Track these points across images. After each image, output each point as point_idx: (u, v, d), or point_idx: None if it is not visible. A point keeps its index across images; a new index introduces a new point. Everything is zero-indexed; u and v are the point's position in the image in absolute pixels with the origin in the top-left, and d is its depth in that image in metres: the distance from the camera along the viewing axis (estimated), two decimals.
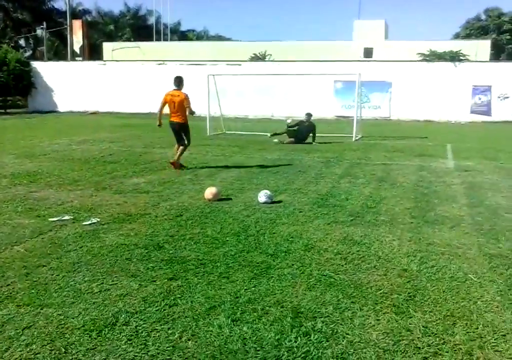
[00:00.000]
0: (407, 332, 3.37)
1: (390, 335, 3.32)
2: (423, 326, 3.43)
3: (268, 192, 7.11)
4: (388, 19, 53.89)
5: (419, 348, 3.17)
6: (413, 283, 4.18)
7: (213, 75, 17.72)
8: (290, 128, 14.60)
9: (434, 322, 3.51)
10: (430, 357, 3.08)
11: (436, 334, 3.34)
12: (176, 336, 3.27)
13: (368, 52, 36.21)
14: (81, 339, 3.24)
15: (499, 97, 24.74)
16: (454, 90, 24.75)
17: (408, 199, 7.32)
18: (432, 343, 3.23)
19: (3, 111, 29.63)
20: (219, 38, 60.82)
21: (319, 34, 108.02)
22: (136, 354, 3.07)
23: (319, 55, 30.97)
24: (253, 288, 4.03)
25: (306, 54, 32.37)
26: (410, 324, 3.47)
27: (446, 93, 24.80)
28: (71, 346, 3.15)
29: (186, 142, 9.94)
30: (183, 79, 9.95)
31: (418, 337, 3.29)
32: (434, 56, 31.35)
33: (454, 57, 29.68)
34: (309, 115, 14.83)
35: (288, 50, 34.90)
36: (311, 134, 14.51)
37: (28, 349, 3.12)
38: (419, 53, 32.33)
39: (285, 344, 3.20)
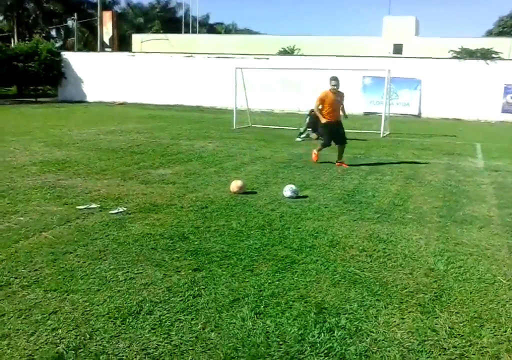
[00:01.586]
0: (433, 332, 3.31)
1: (415, 335, 3.27)
2: (449, 327, 3.37)
3: (293, 186, 7.07)
4: (419, 15, 52.94)
5: (445, 349, 3.12)
6: (439, 283, 4.11)
7: (241, 68, 17.69)
8: (310, 121, 14.42)
9: (461, 323, 3.44)
10: (456, 358, 3.03)
11: (462, 335, 3.28)
12: (199, 327, 3.28)
13: (397, 49, 35.72)
14: (106, 326, 3.27)
15: None
16: (485, 89, 24.23)
17: (436, 198, 7.20)
18: (458, 344, 3.17)
19: (33, 100, 30.16)
20: (247, 31, 60.74)
21: (349, 30, 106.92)
22: (159, 343, 3.09)
23: (348, 51, 30.68)
24: (277, 282, 4.02)
25: (334, 49, 32.07)
26: (436, 324, 3.42)
27: (477, 92, 24.29)
28: (95, 333, 3.19)
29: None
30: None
31: (444, 338, 3.24)
32: (466, 54, 30.73)
33: (486, 54, 29.03)
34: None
35: (317, 45, 34.62)
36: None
37: (54, 333, 3.17)
38: (450, 50, 31.72)
39: (308, 339, 3.18)
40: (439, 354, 3.06)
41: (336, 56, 26.41)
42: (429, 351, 3.08)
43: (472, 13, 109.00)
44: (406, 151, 12.24)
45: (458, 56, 29.97)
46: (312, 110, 14.36)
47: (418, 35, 37.78)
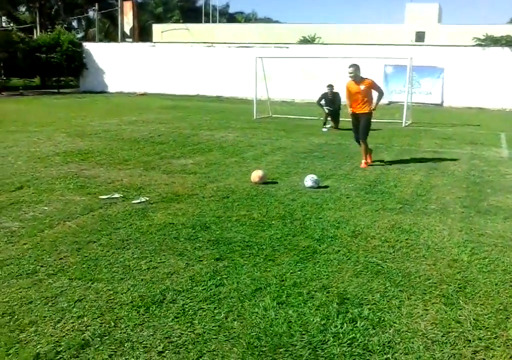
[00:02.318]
0: (457, 324, 3.28)
1: (439, 326, 3.25)
2: (473, 319, 3.34)
3: (314, 176, 7.04)
4: (443, 2, 52.02)
5: (470, 341, 3.09)
6: (463, 274, 4.06)
7: (261, 57, 17.61)
8: (324, 107, 14.38)
9: (486, 315, 3.40)
10: (481, 350, 3.00)
11: (487, 327, 3.25)
12: (222, 316, 3.30)
13: (420, 36, 35.15)
14: (130, 315, 3.31)
15: None
16: (510, 77, 23.73)
17: (460, 188, 7.11)
18: (483, 336, 3.14)
19: (56, 90, 30.47)
20: (267, 20, 60.37)
21: (370, 17, 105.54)
22: (183, 332, 3.12)
23: (369, 39, 30.33)
24: (298, 272, 4.02)
25: (355, 37, 31.76)
26: (460, 316, 3.39)
27: (501, 80, 23.79)
28: (120, 321, 3.23)
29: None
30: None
31: (468, 330, 3.21)
32: (490, 41, 30.11)
33: (511, 41, 28.42)
34: (331, 86, 14.41)
35: (338, 33, 34.27)
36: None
37: (80, 321, 3.22)
38: (474, 38, 31.11)
39: (331, 329, 3.18)
40: (464, 346, 3.03)
41: (357, 44, 26.13)
42: (454, 343, 3.06)
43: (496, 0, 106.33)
44: (428, 140, 12.08)
45: (482, 43, 29.40)
46: (322, 96, 14.34)
47: (441, 23, 37.11)
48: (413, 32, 35.37)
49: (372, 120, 8.77)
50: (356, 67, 8.53)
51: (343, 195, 6.53)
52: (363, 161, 8.65)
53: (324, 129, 13.95)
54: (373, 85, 8.63)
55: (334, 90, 14.38)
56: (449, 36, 32.44)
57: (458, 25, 34.94)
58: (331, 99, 14.20)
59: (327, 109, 14.29)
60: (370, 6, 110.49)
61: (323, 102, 14.41)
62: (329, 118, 14.38)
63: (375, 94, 8.72)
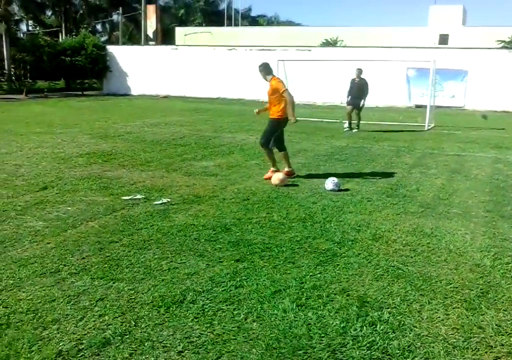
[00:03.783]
0: (479, 329, 3.24)
1: (460, 331, 3.21)
2: (496, 325, 3.29)
3: (335, 179, 7.02)
4: (467, 4, 51.41)
5: (491, 346, 3.05)
6: (486, 279, 4.01)
7: (283, 60, 17.61)
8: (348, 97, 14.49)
9: (509, 321, 3.35)
10: (503, 356, 2.96)
11: (510, 333, 3.20)
12: (241, 317, 3.32)
13: (443, 39, 34.76)
14: (150, 314, 3.34)
15: None
16: None
17: (483, 192, 7.01)
18: (505, 342, 3.09)
19: (80, 93, 30.94)
20: (289, 23, 60.40)
21: (393, 20, 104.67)
22: (202, 332, 3.14)
23: (392, 42, 30.09)
24: (318, 275, 4.01)
25: (378, 40, 31.54)
26: (482, 321, 3.34)
27: None
28: (140, 320, 3.27)
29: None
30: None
31: (490, 336, 3.16)
32: None
33: None
34: (359, 70, 14.16)
35: (360, 36, 34.11)
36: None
37: (101, 320, 3.26)
38: (498, 40, 30.65)
39: (350, 332, 3.16)
40: (485, 352, 2.99)
41: (380, 47, 25.95)
42: (475, 348, 3.02)
43: None
44: (451, 144, 11.94)
45: (508, 46, 28.95)
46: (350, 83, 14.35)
47: (466, 25, 36.66)
48: (437, 35, 35.01)
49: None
50: (263, 67, 7.44)
51: (364, 198, 6.50)
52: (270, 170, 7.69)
53: (354, 130, 14.16)
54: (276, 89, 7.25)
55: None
56: (473, 38, 32.00)
57: (482, 27, 34.47)
58: (357, 85, 14.15)
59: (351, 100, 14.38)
60: (393, 9, 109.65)
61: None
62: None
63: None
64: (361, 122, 14.42)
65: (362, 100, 14.08)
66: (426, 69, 18.09)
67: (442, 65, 19.89)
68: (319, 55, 26.69)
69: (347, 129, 14.32)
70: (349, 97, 14.35)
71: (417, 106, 23.41)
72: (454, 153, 10.57)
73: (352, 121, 14.38)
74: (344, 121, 14.75)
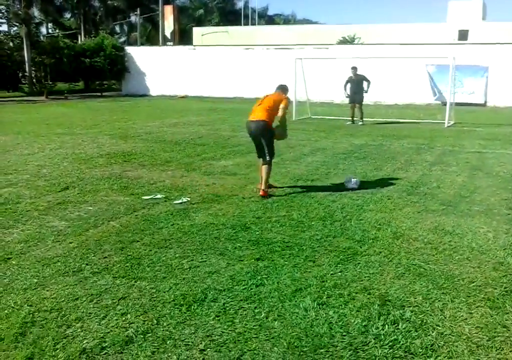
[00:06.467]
0: (503, 328, 3.20)
1: (484, 330, 3.17)
2: None
3: (355, 177, 6.98)
4: None
5: None
6: (509, 278, 3.95)
7: (300, 59, 17.57)
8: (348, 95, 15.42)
9: None
10: None
11: None
12: (262, 316, 3.32)
13: (463, 35, 34.29)
14: (172, 313, 3.37)
15: None
16: None
17: (505, 190, 6.91)
18: None
19: (99, 94, 31.25)
20: (306, 22, 60.21)
21: (411, 17, 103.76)
22: (224, 331, 3.15)
23: (411, 38, 29.80)
24: (339, 273, 4.00)
25: (396, 37, 31.25)
26: (506, 320, 3.30)
27: None
28: (162, 318, 3.29)
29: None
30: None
31: None
32: None
33: None
34: (354, 69, 15.18)
35: (378, 33, 33.82)
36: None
37: (124, 318, 3.30)
38: None
39: (372, 331, 3.15)
40: (510, 351, 2.95)
41: (398, 44, 25.71)
42: (500, 348, 2.98)
43: None
44: (472, 141, 11.78)
45: None
46: (347, 81, 15.57)
47: (485, 20, 36.12)
48: (456, 31, 34.55)
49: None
50: (282, 88, 7.46)
51: (384, 197, 6.45)
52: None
53: (360, 123, 15.21)
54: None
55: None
56: (493, 33, 31.48)
57: (503, 22, 33.87)
58: (356, 82, 15.28)
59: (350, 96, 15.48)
60: (411, 6, 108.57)
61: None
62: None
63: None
64: (378, 119, 14.88)
65: (364, 92, 15.08)
66: (445, 65, 17.85)
67: (462, 61, 19.63)
68: (336, 53, 26.53)
69: (349, 123, 15.35)
70: (349, 93, 15.37)
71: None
72: (475, 150, 10.44)
73: (355, 118, 15.38)
74: (355, 119, 15.50)
